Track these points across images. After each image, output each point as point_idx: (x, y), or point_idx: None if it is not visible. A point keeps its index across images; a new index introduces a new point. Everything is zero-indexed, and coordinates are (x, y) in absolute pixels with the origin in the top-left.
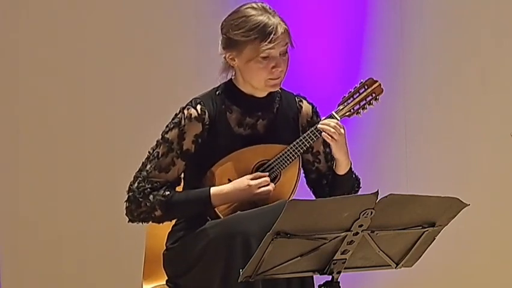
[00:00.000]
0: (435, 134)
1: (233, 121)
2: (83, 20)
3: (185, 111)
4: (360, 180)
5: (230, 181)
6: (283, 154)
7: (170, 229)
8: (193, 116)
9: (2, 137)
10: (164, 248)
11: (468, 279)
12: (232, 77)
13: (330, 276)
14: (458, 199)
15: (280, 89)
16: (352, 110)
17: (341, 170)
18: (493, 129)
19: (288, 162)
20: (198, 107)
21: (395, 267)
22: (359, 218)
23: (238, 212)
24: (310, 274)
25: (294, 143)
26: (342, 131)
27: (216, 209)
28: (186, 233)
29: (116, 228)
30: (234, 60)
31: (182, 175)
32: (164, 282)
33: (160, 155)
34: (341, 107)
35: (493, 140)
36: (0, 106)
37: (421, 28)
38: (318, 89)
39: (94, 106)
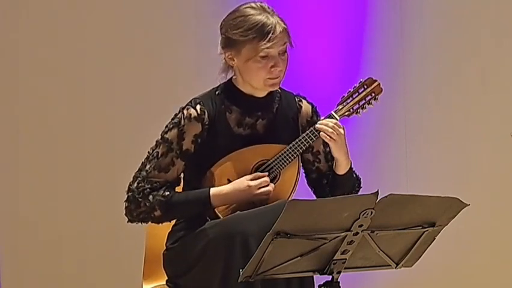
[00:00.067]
0: (435, 134)
1: (232, 121)
2: (83, 20)
3: (185, 111)
4: (361, 179)
5: (229, 181)
6: (282, 154)
7: (170, 229)
8: (192, 116)
9: (2, 137)
10: (164, 248)
11: (468, 279)
12: (232, 77)
13: (330, 276)
14: (458, 199)
15: (280, 88)
16: (351, 110)
17: (341, 169)
18: (493, 129)
19: (288, 162)
20: (198, 107)
21: (395, 267)
22: (359, 218)
23: (238, 212)
24: (310, 274)
25: (294, 142)
26: (341, 130)
27: (215, 210)
28: (186, 233)
29: (116, 228)
30: (233, 60)
31: (181, 175)
32: (164, 282)
33: (159, 155)
34: (340, 106)
35: (493, 140)
36: (0, 106)
37: (421, 28)
38: (318, 89)
39: (94, 106)
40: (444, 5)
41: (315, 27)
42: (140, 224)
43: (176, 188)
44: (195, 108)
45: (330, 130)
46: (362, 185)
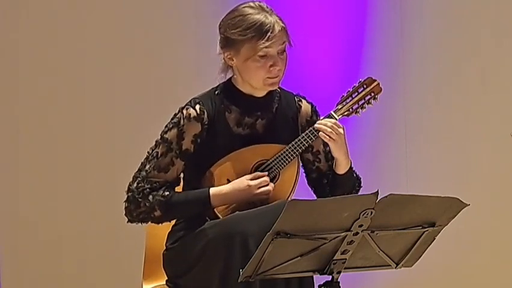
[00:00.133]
0: (435, 134)
1: (232, 121)
2: (83, 20)
3: (185, 111)
4: (361, 179)
5: (229, 181)
6: (282, 154)
7: (170, 229)
8: (192, 116)
9: (2, 137)
10: (164, 248)
11: (468, 279)
12: (232, 77)
13: (330, 276)
14: (458, 199)
15: (280, 88)
16: (351, 110)
17: (341, 169)
18: (493, 129)
19: (287, 162)
20: (197, 107)
21: (395, 267)
22: (359, 218)
23: (237, 212)
24: (310, 274)
25: (293, 142)
26: (340, 130)
27: (215, 210)
28: (186, 233)
29: (116, 228)
30: (232, 60)
31: (181, 175)
32: (164, 282)
33: (159, 155)
34: (340, 106)
35: (493, 140)
36: (0, 106)
37: (421, 28)
38: (318, 89)
39: (94, 106)
40: (444, 5)
41: (315, 27)
42: (140, 224)
43: (176, 188)
44: (194, 108)
45: (329, 130)
46: (362, 185)
